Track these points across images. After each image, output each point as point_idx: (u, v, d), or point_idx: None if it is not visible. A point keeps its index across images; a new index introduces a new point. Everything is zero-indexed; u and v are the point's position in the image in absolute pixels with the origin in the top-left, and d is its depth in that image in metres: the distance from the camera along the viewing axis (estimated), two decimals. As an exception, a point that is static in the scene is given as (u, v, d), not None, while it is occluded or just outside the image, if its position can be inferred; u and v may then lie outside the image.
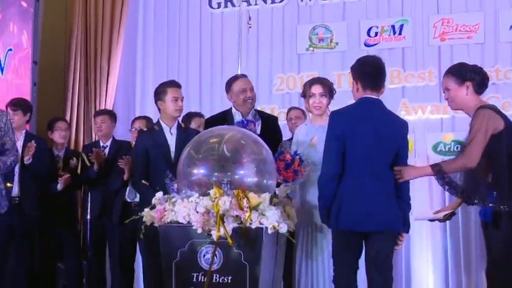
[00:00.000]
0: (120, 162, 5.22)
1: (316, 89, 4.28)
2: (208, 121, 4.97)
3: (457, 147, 5.71)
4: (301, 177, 4.07)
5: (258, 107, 6.22)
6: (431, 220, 4.33)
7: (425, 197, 6.05)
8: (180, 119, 4.90)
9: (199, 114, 5.73)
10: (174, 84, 4.78)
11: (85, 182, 5.81)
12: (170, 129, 4.70)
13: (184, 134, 4.66)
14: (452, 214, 4.88)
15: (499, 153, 3.55)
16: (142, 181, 4.59)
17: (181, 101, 4.74)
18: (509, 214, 3.50)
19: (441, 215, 4.26)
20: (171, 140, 4.66)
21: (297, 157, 4.05)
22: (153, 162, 4.61)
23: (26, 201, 5.32)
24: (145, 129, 5.13)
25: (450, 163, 3.65)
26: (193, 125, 5.45)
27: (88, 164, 5.57)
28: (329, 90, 4.32)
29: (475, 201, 3.64)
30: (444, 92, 3.86)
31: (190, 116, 5.63)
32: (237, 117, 4.70)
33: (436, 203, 5.99)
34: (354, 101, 3.88)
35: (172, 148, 4.63)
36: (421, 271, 6.04)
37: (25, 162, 5.09)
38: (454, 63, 4.02)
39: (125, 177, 5.27)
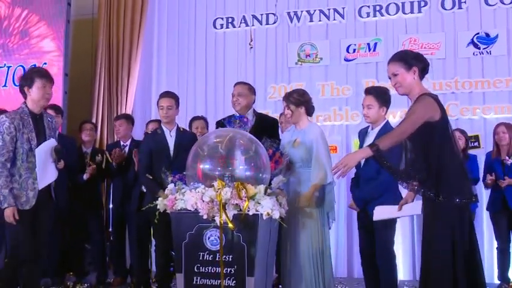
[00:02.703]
0: (134, 155, 5.27)
1: (284, 103, 4.39)
2: (218, 122, 4.96)
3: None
4: (281, 166, 4.14)
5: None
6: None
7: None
8: (186, 121, 4.91)
9: (200, 118, 5.74)
10: (161, 95, 4.84)
11: (108, 176, 5.80)
12: (170, 132, 4.74)
13: (181, 135, 4.71)
14: None
15: (431, 142, 3.14)
16: (147, 175, 4.62)
17: (168, 109, 4.70)
18: (432, 200, 3.13)
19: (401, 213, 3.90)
20: (171, 141, 4.70)
21: (278, 151, 4.12)
22: (155, 159, 4.64)
23: (58, 191, 5.27)
24: (159, 131, 5.15)
25: (385, 139, 3.11)
26: (194, 126, 5.50)
27: (110, 160, 5.56)
28: (296, 102, 4.31)
29: (410, 186, 3.27)
30: (390, 78, 3.35)
31: (192, 120, 5.67)
32: None
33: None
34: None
35: (171, 148, 4.67)
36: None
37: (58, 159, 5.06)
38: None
39: (136, 167, 5.27)
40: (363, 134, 4.40)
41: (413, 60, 3.29)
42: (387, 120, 4.30)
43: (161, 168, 4.16)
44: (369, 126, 4.35)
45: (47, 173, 4.04)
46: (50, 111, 5.34)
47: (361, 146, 4.33)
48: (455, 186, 3.12)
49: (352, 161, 3.09)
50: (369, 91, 4.34)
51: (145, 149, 4.73)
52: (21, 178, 3.91)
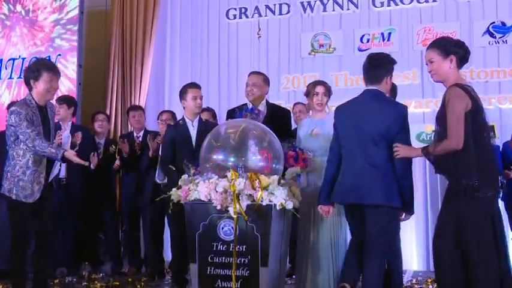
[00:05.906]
0: (148, 138, 5.33)
1: (320, 89, 4.32)
2: (229, 110, 4.95)
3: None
4: (310, 161, 4.10)
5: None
6: None
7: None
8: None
9: (207, 109, 5.74)
10: (194, 85, 4.81)
11: (123, 166, 5.74)
12: (192, 122, 4.74)
13: (204, 126, 4.69)
14: None
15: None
16: (170, 166, 4.57)
17: (200, 99, 4.77)
18: (467, 190, 3.09)
19: None
20: (193, 131, 4.71)
21: (297, 149, 4.07)
22: (178, 149, 4.65)
23: (71, 182, 5.34)
24: (171, 122, 5.20)
25: (435, 147, 3.16)
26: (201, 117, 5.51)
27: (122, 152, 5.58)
28: (329, 90, 4.38)
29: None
30: (427, 65, 3.34)
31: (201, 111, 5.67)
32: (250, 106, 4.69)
33: (419, 184, 5.96)
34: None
35: (194, 138, 4.67)
36: (406, 242, 5.96)
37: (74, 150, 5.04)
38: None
39: (150, 154, 5.30)
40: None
41: (452, 48, 3.23)
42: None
43: (183, 159, 4.14)
44: None
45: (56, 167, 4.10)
46: (56, 103, 5.35)
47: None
48: (488, 179, 3.10)
49: (405, 154, 3.35)
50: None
51: (168, 140, 4.74)
52: (29, 170, 3.89)
